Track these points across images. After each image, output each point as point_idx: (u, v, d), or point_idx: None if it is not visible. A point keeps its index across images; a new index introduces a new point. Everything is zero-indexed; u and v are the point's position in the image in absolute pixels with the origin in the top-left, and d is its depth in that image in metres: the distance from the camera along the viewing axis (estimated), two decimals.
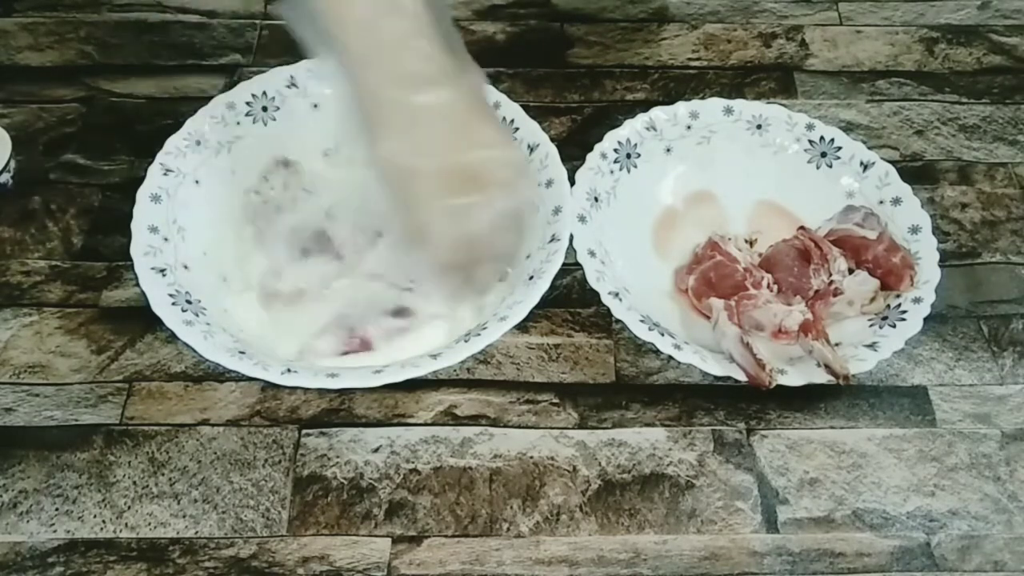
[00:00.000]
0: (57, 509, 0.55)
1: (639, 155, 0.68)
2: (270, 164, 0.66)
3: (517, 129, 0.66)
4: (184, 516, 0.55)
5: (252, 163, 0.66)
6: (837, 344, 0.59)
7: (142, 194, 0.62)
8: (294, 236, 0.64)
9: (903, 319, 0.60)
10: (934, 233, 0.63)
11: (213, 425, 0.58)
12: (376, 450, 0.58)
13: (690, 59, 0.79)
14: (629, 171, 0.68)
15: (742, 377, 0.58)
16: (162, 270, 0.59)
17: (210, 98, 0.67)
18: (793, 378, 0.58)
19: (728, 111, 0.69)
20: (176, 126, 0.65)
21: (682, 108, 0.69)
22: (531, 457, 0.58)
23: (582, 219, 0.63)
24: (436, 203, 0.51)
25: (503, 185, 0.52)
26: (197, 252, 0.62)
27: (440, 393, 0.60)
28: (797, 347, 0.60)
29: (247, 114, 0.67)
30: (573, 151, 0.67)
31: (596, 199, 0.65)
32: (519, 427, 0.59)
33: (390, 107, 0.50)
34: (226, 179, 0.66)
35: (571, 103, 0.75)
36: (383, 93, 0.50)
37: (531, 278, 0.60)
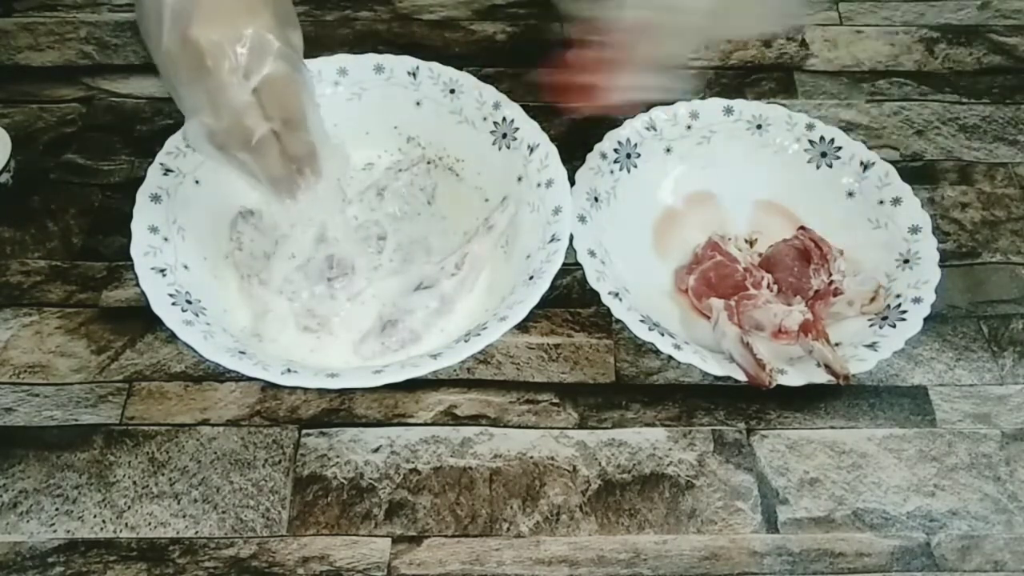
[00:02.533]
0: (57, 509, 0.55)
1: (639, 155, 0.68)
2: (235, 219, 0.65)
3: (517, 129, 0.66)
4: (184, 516, 0.55)
5: (223, 214, 0.65)
6: (837, 344, 0.59)
7: (142, 194, 0.62)
8: (309, 271, 0.64)
9: (903, 319, 0.60)
10: (934, 233, 0.63)
11: (213, 425, 0.58)
12: (376, 450, 0.58)
13: (690, 59, 0.79)
14: (629, 171, 0.68)
15: (742, 377, 0.58)
16: (162, 270, 0.59)
17: None
18: (793, 378, 0.58)
19: (728, 111, 0.69)
20: (176, 126, 0.65)
21: (682, 108, 0.69)
22: (531, 457, 0.58)
23: (582, 219, 0.63)
24: (192, 93, 0.50)
25: (254, 74, 0.50)
26: (197, 253, 0.62)
27: (440, 393, 0.60)
28: (797, 347, 0.60)
29: None
30: (573, 151, 0.67)
31: (596, 199, 0.65)
32: (519, 427, 0.59)
33: None
34: (226, 179, 0.65)
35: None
36: None
37: (531, 278, 0.60)
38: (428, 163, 0.69)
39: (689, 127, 0.69)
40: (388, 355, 0.60)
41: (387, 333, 0.61)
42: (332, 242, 0.65)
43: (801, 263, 0.63)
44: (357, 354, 0.61)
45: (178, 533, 0.54)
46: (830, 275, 0.62)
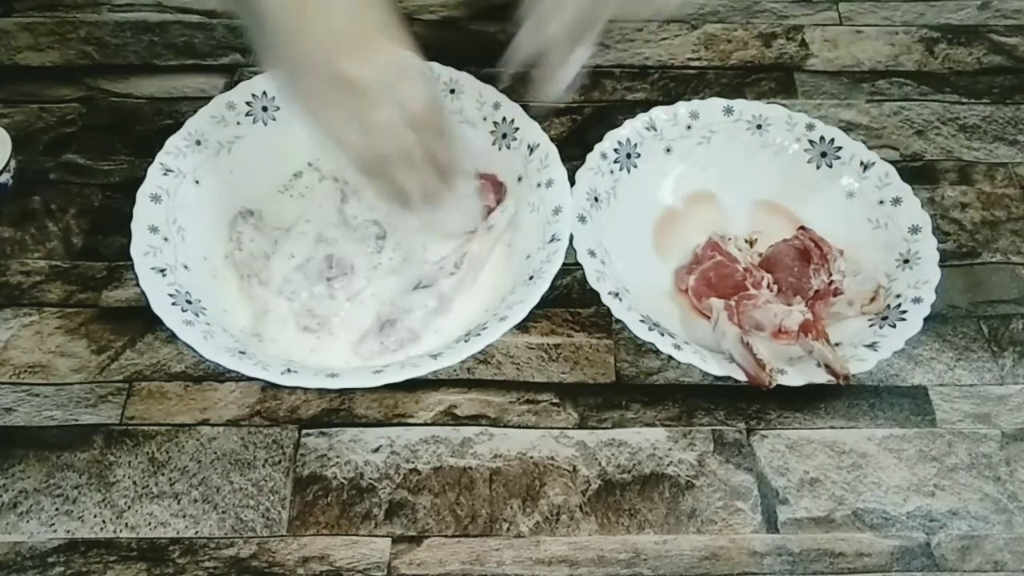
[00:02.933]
0: (57, 509, 0.55)
1: (639, 155, 0.68)
2: (234, 219, 0.65)
3: (517, 129, 0.66)
4: (184, 516, 0.55)
5: (223, 214, 0.66)
6: (837, 344, 0.59)
7: (142, 194, 0.62)
8: (309, 271, 0.64)
9: (903, 319, 0.60)
10: (934, 233, 0.63)
11: (213, 425, 0.58)
12: (376, 450, 0.58)
13: (690, 59, 0.79)
14: (629, 171, 0.68)
15: (742, 377, 0.58)
16: (162, 270, 0.59)
17: (210, 98, 0.67)
18: (793, 378, 0.58)
19: (728, 111, 0.69)
20: (176, 126, 0.65)
21: (682, 108, 0.69)
22: (531, 457, 0.58)
23: (582, 219, 0.63)
24: (344, 121, 0.53)
25: (400, 92, 0.53)
26: (197, 253, 0.62)
27: (440, 393, 0.60)
28: (797, 347, 0.60)
29: (247, 114, 0.67)
30: (573, 151, 0.67)
31: (596, 199, 0.65)
32: (519, 427, 0.59)
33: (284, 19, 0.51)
34: (226, 179, 0.66)
35: (571, 103, 0.75)
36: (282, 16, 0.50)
37: (531, 278, 0.60)
38: None
39: (689, 127, 0.69)
40: (387, 355, 0.60)
41: (385, 333, 0.61)
42: (331, 242, 0.65)
43: (801, 263, 0.63)
44: (356, 354, 0.61)
45: (178, 533, 0.54)
46: (830, 275, 0.62)
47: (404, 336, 0.61)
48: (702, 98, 0.71)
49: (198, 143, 0.65)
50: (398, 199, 0.57)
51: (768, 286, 0.63)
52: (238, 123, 0.67)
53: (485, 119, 0.67)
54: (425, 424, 0.59)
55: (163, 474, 0.56)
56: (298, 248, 0.65)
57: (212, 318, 0.58)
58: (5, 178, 0.68)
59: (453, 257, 0.64)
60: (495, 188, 0.66)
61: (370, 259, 0.65)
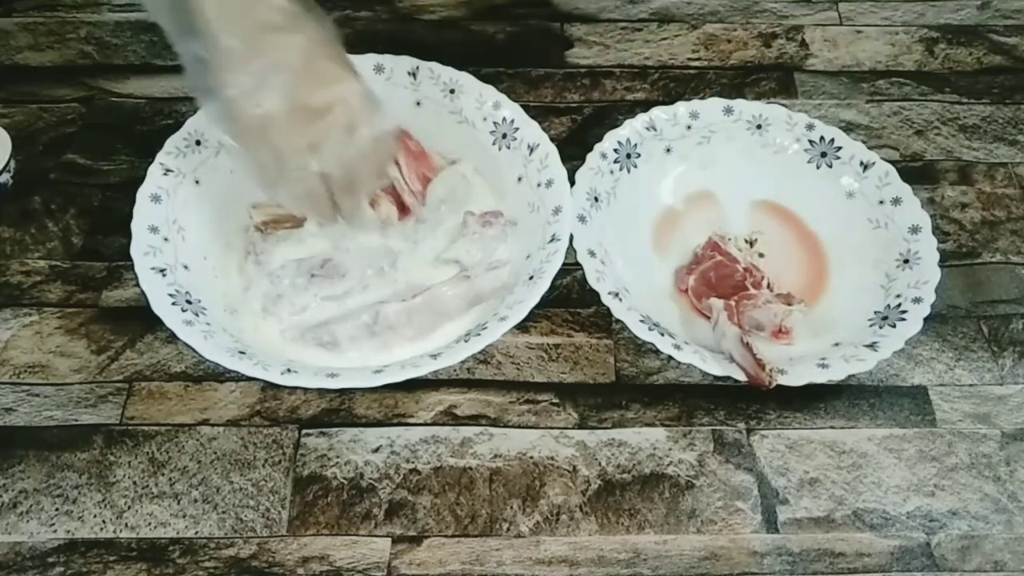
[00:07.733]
0: (57, 509, 0.55)
1: (639, 155, 0.68)
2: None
3: (517, 129, 0.66)
4: (184, 516, 0.55)
5: (223, 213, 0.65)
6: (836, 344, 0.59)
7: (142, 194, 0.62)
8: (302, 265, 0.63)
9: (903, 319, 0.60)
10: (934, 233, 0.63)
11: (213, 425, 0.58)
12: (376, 450, 0.58)
13: (690, 59, 0.79)
14: (629, 171, 0.68)
15: (742, 377, 0.58)
16: (162, 270, 0.59)
17: None
18: (793, 378, 0.58)
19: (728, 111, 0.69)
20: (176, 126, 0.65)
21: (682, 108, 0.69)
22: (531, 457, 0.58)
23: (582, 219, 0.63)
24: (289, 144, 0.53)
25: (350, 119, 0.53)
26: (197, 253, 0.62)
27: (440, 393, 0.60)
28: (797, 347, 0.60)
29: None
30: (573, 151, 0.67)
31: (596, 199, 0.65)
32: (519, 427, 0.59)
33: (239, 55, 0.51)
34: (226, 179, 0.66)
35: (571, 103, 0.75)
36: (233, 43, 0.51)
37: (531, 278, 0.60)
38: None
39: (689, 127, 0.69)
40: (300, 346, 0.60)
41: (312, 328, 0.61)
42: (343, 251, 0.64)
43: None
44: (282, 335, 0.61)
45: (178, 533, 0.54)
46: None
47: (325, 338, 0.60)
48: (702, 98, 0.71)
49: (198, 143, 0.65)
50: (324, 216, 0.58)
51: (768, 286, 0.63)
52: None
53: (485, 119, 0.67)
54: (425, 424, 0.59)
55: (163, 474, 0.56)
56: (314, 245, 0.64)
57: (212, 318, 0.59)
58: (5, 178, 0.68)
59: (415, 289, 0.62)
60: (498, 223, 0.65)
61: (364, 278, 0.64)
